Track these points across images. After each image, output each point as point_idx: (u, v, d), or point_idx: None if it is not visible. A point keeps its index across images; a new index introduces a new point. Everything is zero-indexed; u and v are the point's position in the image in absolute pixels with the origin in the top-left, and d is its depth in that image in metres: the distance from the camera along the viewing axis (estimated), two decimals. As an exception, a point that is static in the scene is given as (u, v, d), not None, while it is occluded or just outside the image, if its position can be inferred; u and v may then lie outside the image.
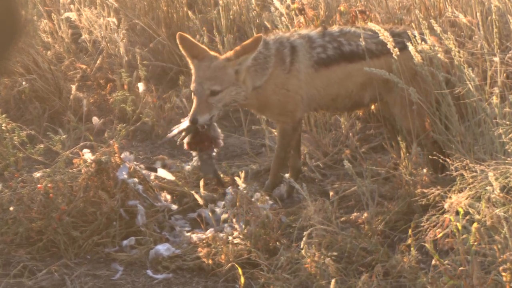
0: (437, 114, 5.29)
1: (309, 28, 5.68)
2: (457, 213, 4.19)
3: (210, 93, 5.27)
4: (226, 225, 5.25)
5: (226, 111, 5.83)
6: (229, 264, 4.89)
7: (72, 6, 8.03)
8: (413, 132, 5.40)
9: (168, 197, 5.57)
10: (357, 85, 5.46)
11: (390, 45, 5.15)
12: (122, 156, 5.41)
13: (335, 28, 5.56)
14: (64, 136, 6.48)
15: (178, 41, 5.39)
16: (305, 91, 5.45)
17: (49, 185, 5.26)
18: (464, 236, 4.11)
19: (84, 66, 7.72)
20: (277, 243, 5.01)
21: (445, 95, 5.15)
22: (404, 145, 5.36)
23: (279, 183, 5.62)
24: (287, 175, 5.62)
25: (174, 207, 5.49)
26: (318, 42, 5.48)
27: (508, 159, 4.42)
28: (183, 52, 5.46)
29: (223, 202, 5.35)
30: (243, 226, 5.06)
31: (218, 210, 5.38)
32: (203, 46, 5.52)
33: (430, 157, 5.26)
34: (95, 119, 6.88)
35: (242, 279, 4.75)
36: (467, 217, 4.18)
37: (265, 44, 5.46)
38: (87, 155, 5.40)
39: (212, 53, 5.45)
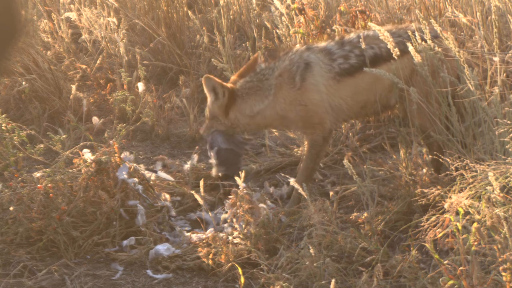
0: (437, 114, 5.29)
1: (327, 40, 5.61)
2: (457, 213, 4.18)
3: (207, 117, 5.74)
4: (226, 225, 5.26)
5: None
6: (229, 264, 4.89)
7: (72, 6, 8.04)
8: (413, 130, 5.39)
9: (168, 196, 5.58)
10: (385, 88, 5.39)
11: (390, 45, 5.13)
12: (122, 156, 5.41)
13: (352, 35, 5.51)
14: (64, 136, 6.48)
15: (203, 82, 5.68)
16: (328, 103, 5.43)
17: (49, 185, 5.27)
18: (464, 236, 4.11)
19: (84, 66, 7.73)
20: (277, 243, 5.01)
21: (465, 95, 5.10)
22: (404, 146, 5.36)
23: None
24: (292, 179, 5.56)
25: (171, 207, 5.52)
26: (338, 53, 5.44)
27: (508, 159, 4.41)
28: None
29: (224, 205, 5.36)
30: (243, 226, 5.06)
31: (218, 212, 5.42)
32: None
33: (434, 157, 5.23)
34: (95, 119, 6.88)
35: (242, 279, 4.75)
36: (467, 217, 4.18)
37: (268, 70, 5.53)
38: (87, 155, 5.40)
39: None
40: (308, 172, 5.55)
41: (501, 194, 4.15)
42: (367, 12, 6.27)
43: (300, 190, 4.88)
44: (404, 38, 5.29)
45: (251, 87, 5.55)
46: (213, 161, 5.74)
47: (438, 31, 5.14)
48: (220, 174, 5.75)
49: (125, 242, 5.20)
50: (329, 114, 5.45)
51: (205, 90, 5.62)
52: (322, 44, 5.55)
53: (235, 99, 5.56)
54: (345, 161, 4.96)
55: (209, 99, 5.64)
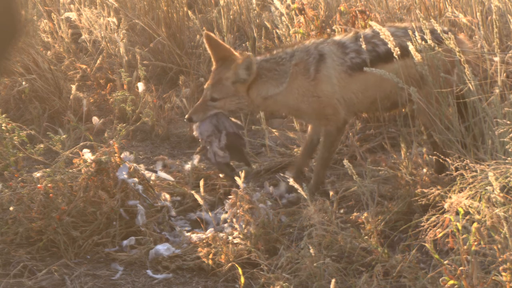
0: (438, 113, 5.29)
1: (342, 34, 5.61)
2: (457, 213, 4.18)
3: (210, 98, 5.55)
4: (226, 225, 5.26)
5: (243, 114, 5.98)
6: (229, 264, 4.89)
7: (72, 6, 8.04)
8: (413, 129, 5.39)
9: (168, 196, 5.58)
10: (394, 86, 5.34)
11: (390, 44, 5.13)
12: (122, 156, 5.41)
13: (367, 31, 5.50)
14: (64, 136, 6.48)
15: (204, 40, 5.66)
16: (340, 95, 5.45)
17: (49, 185, 5.26)
18: (464, 236, 4.11)
19: (84, 66, 7.73)
20: (277, 243, 5.01)
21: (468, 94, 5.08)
22: (404, 145, 5.36)
23: (323, 183, 5.67)
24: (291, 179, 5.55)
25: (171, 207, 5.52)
26: (351, 47, 5.44)
27: (508, 159, 4.41)
28: (208, 51, 5.66)
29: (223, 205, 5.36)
30: (243, 226, 5.06)
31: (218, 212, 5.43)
32: (228, 48, 5.64)
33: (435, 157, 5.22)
34: (95, 119, 6.88)
35: (242, 279, 4.75)
36: (467, 217, 4.18)
37: (285, 55, 5.51)
38: (87, 155, 5.40)
39: (233, 56, 5.56)
40: (323, 161, 5.61)
41: (501, 194, 4.15)
42: (367, 12, 6.28)
43: (300, 190, 4.88)
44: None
45: (270, 69, 5.51)
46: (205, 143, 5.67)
47: (439, 31, 5.14)
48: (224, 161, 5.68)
49: (125, 242, 5.20)
50: (342, 105, 5.47)
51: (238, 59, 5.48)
52: (337, 37, 5.56)
53: (256, 78, 5.51)
54: (345, 161, 4.96)
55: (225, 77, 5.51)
